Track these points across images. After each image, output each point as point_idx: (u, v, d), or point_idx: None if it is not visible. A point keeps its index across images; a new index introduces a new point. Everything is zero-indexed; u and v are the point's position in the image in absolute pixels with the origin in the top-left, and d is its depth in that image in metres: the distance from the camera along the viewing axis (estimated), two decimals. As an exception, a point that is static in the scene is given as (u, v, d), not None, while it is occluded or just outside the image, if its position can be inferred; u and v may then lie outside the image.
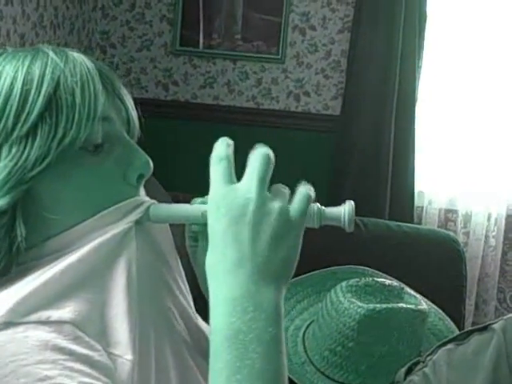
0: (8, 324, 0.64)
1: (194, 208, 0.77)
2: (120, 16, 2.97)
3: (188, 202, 0.79)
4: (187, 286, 0.84)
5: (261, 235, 0.65)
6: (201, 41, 2.93)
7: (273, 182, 0.71)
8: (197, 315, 0.84)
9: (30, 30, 2.29)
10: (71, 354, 0.64)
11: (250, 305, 0.64)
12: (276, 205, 0.67)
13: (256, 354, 0.62)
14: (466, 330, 1.20)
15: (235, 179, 0.70)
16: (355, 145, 2.82)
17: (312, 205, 0.72)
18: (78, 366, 0.63)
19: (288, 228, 0.67)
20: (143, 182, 0.80)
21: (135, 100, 0.83)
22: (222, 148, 0.71)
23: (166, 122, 2.88)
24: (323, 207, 0.73)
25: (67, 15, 2.63)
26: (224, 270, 0.66)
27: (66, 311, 0.67)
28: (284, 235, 0.66)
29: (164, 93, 3.00)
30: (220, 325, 0.64)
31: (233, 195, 0.67)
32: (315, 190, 0.71)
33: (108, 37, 2.99)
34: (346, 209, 0.72)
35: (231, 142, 0.72)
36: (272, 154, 0.70)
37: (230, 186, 0.68)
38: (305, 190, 0.70)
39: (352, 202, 0.72)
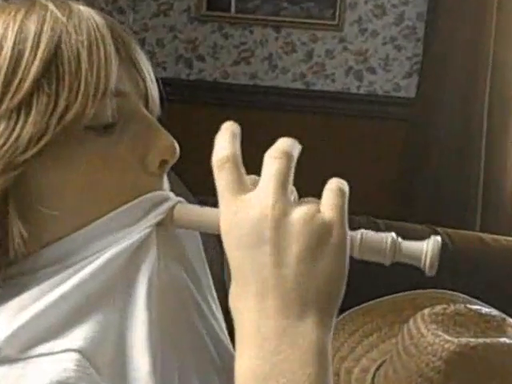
0: (3, 360, 0.65)
1: None
2: (130, -27, 3.02)
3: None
4: (218, 305, 0.85)
5: (285, 256, 0.65)
6: (233, 3, 2.95)
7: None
8: (228, 340, 0.84)
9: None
10: None
11: (282, 343, 0.64)
12: (300, 212, 0.66)
13: None
14: None
15: (247, 184, 0.69)
16: (435, 137, 2.80)
17: (384, 235, 0.71)
18: None
19: (322, 238, 0.66)
20: (166, 171, 0.80)
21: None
22: (224, 144, 0.70)
23: (188, 107, 2.90)
24: (400, 239, 0.71)
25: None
26: (246, 306, 0.66)
27: (73, 338, 0.67)
28: (317, 249, 0.65)
29: (187, 71, 3.02)
30: (244, 369, 0.65)
31: (245, 210, 0.67)
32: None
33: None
34: (429, 246, 0.70)
35: (237, 128, 0.71)
36: (293, 149, 0.69)
37: (241, 198, 0.67)
38: (335, 183, 0.69)
39: (438, 238, 0.71)
